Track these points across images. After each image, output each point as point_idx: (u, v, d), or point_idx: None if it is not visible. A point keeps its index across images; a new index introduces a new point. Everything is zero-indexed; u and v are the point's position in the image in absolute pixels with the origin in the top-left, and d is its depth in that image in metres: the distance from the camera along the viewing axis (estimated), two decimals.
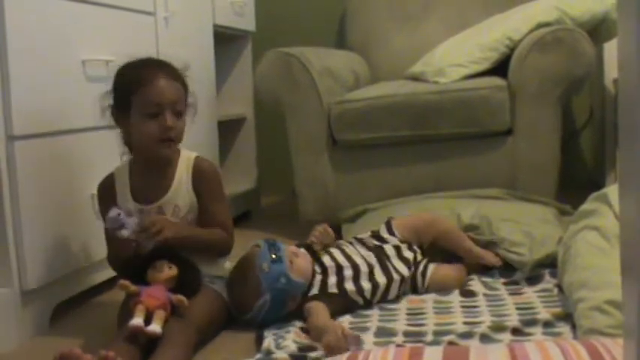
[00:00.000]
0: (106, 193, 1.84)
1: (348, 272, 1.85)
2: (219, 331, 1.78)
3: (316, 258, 1.88)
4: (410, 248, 1.99)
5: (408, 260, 1.95)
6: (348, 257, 1.90)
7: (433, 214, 2.10)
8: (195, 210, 1.83)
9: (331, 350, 1.50)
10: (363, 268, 1.87)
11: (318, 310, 1.73)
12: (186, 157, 1.85)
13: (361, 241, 1.99)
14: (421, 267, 1.95)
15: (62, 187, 1.94)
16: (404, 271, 1.92)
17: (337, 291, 1.82)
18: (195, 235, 1.80)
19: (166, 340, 1.55)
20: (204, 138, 2.79)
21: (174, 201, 1.81)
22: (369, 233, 2.03)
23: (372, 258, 1.91)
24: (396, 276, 1.90)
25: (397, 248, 1.96)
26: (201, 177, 1.83)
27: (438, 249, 2.07)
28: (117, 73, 1.82)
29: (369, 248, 1.95)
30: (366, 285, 1.85)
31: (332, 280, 1.83)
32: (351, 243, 1.99)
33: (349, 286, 1.84)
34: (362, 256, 1.91)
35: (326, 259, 1.88)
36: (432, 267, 1.96)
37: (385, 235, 2.01)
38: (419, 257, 1.98)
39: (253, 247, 1.83)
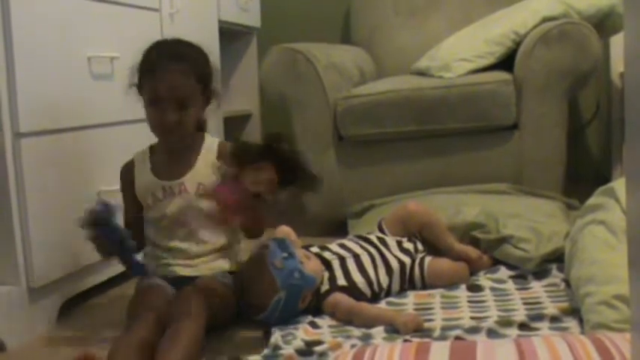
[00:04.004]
0: (124, 176, 1.90)
1: (351, 263, 1.88)
2: (228, 321, 1.78)
3: (318, 256, 1.89)
4: (410, 240, 2.01)
5: (409, 251, 1.98)
6: (348, 249, 1.93)
7: (419, 204, 2.09)
8: None
9: (408, 327, 1.60)
10: (364, 258, 1.90)
11: (344, 298, 1.78)
12: (210, 141, 1.89)
13: (361, 237, 2.01)
14: (418, 258, 1.96)
15: (69, 184, 1.94)
16: (405, 259, 1.94)
17: (346, 283, 1.83)
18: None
19: (182, 311, 1.57)
20: (210, 134, 2.79)
21: (198, 179, 1.83)
22: (364, 235, 2.05)
23: (372, 248, 1.94)
24: (395, 264, 1.92)
25: (399, 242, 1.99)
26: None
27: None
28: (144, 51, 1.83)
29: (369, 241, 1.97)
30: (372, 274, 1.87)
31: (339, 273, 1.85)
32: (350, 240, 2.01)
33: (357, 277, 1.85)
34: (362, 246, 1.94)
35: (327, 255, 1.90)
36: (429, 259, 1.97)
37: (380, 235, 2.04)
38: (419, 247, 2.00)
39: (261, 247, 1.83)
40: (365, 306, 1.77)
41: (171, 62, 1.77)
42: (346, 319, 1.74)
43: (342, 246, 1.95)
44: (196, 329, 1.55)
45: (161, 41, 1.85)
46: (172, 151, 1.85)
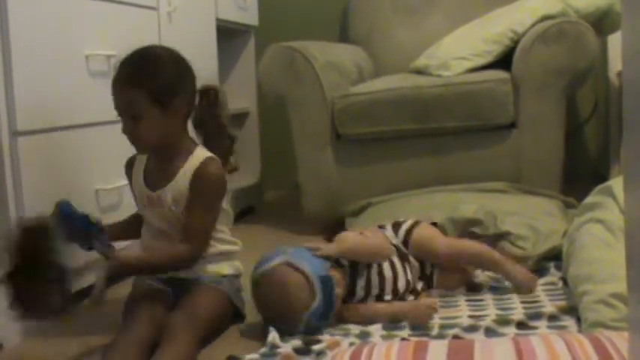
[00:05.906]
0: (126, 170, 1.86)
1: (386, 297, 1.78)
2: (223, 331, 1.76)
3: (360, 275, 1.77)
4: (432, 265, 1.91)
5: (428, 276, 1.90)
6: (395, 278, 1.79)
7: (480, 247, 1.92)
8: None
9: (417, 319, 1.63)
10: (401, 291, 1.80)
11: (352, 307, 1.74)
12: (198, 156, 1.79)
13: (405, 259, 1.85)
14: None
15: (66, 183, 1.94)
16: (419, 285, 1.88)
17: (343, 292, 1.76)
18: (145, 263, 1.74)
19: (170, 337, 1.55)
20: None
21: (174, 192, 1.76)
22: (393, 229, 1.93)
23: (414, 278, 1.85)
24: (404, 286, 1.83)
25: (422, 266, 1.89)
26: (197, 180, 1.74)
27: None
28: None
29: (412, 266, 1.86)
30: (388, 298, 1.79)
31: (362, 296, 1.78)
32: (397, 248, 1.86)
33: (360, 292, 1.77)
34: (407, 279, 1.82)
35: (374, 279, 1.76)
36: (436, 274, 1.92)
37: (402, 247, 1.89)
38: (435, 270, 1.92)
39: (279, 265, 1.68)
40: (376, 307, 1.73)
41: (120, 73, 1.72)
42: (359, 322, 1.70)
43: (393, 269, 1.79)
44: (186, 351, 1.54)
45: (129, 54, 1.77)
46: (160, 158, 1.80)
